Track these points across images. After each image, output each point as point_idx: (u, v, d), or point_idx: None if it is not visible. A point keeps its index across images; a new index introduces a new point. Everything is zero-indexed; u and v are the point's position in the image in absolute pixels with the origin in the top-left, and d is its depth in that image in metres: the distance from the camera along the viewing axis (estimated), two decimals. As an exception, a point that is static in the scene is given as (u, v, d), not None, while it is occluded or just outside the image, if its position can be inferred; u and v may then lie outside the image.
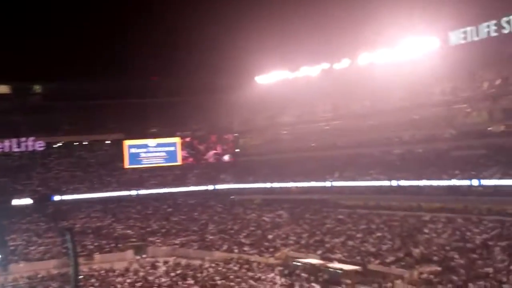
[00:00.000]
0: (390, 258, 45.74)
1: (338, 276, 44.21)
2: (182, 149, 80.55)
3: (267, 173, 73.22)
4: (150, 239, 64.12)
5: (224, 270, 51.03)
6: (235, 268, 51.41)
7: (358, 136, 67.42)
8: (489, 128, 56.30)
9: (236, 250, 57.53)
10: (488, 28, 56.23)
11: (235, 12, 75.88)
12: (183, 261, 55.56)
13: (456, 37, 58.69)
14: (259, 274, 48.42)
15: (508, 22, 54.47)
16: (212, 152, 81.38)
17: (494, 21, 55.40)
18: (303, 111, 76.92)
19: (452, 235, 46.84)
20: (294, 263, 49.57)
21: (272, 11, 72.76)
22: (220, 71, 75.83)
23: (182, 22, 79.39)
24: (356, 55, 67.47)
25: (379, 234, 51.79)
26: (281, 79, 75.63)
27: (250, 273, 49.11)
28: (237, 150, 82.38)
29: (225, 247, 59.06)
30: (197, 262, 54.62)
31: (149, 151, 79.53)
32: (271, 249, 55.71)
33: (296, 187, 68.44)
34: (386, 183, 57.98)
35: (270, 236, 59.25)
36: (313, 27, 68.93)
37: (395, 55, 62.95)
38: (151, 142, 79.68)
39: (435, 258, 43.32)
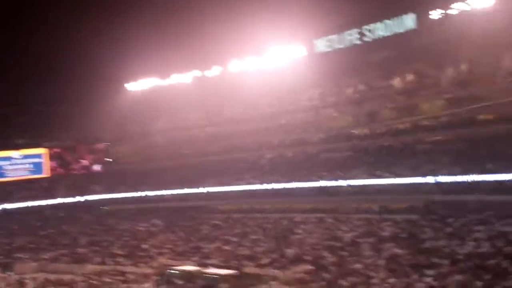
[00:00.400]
0: (265, 260, 46.27)
1: (215, 281, 44.13)
2: (50, 160, 77.19)
3: (140, 182, 71.90)
4: (17, 255, 60.58)
5: (97, 283, 49.21)
6: (109, 280, 49.76)
7: (231, 141, 68.17)
8: (354, 131, 58.92)
9: (109, 262, 55.76)
10: (351, 36, 59.09)
11: (103, 18, 74.00)
12: (53, 277, 52.92)
13: (321, 45, 61.15)
14: (134, 285, 47.25)
15: (369, 30, 57.55)
16: (81, 162, 78.73)
17: (356, 30, 58.30)
18: (176, 118, 76.56)
19: (323, 234, 48.31)
20: (170, 271, 48.84)
21: (142, 19, 71.69)
22: (89, 78, 73.31)
23: (48, 29, 76.03)
24: (226, 62, 68.34)
25: (254, 237, 52.38)
26: (153, 86, 74.81)
27: (124, 285, 47.76)
28: (108, 159, 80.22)
29: (97, 259, 57.03)
30: (68, 277, 52.20)
31: (14, 163, 75.36)
32: (146, 259, 54.49)
33: (171, 194, 67.69)
34: (259, 186, 59.01)
35: (145, 246, 58.03)
36: (184, 35, 68.78)
37: (264, 63, 64.56)
38: (16, 154, 75.56)
39: (307, 257, 44.36)
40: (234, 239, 53.30)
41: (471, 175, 44.17)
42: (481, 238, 37.77)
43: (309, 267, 42.38)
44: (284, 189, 56.91)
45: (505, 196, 41.17)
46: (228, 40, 64.72)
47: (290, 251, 46.32)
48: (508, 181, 41.62)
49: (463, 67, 52.61)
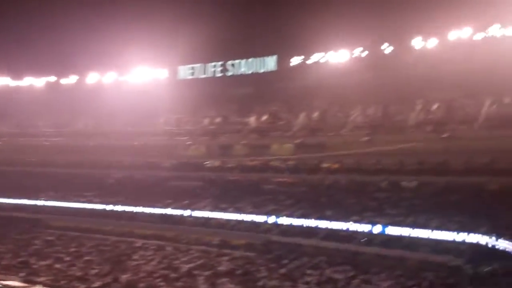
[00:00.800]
0: (97, 283, 44.95)
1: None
2: None
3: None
4: None
5: None
6: None
7: (79, 155, 65.53)
8: (206, 163, 59.33)
9: None
10: (214, 68, 60.12)
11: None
12: None
13: (184, 72, 61.57)
14: None
15: (232, 65, 58.93)
16: None
17: (220, 62, 59.46)
18: (23, 123, 72.66)
19: (160, 262, 47.82)
20: (-9, 285, 45.83)
21: None
22: None
23: None
24: (85, 73, 66.45)
25: (88, 258, 50.66)
26: (1, 86, 70.72)
27: None
28: None
29: None
30: None
31: None
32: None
33: (5, 203, 63.54)
34: (101, 206, 57.30)
35: (-34, 257, 53.91)
36: (44, 38, 65.95)
37: (125, 81, 63.68)
38: None
39: (141, 285, 43.67)
40: (67, 258, 51.27)
41: (310, 220, 45.86)
42: (312, 282, 39.35)
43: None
44: (127, 212, 55.66)
45: (339, 243, 43.21)
46: (91, 52, 63.14)
47: (124, 277, 45.33)
48: (344, 230, 43.66)
49: (315, 115, 55.11)
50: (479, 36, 45.38)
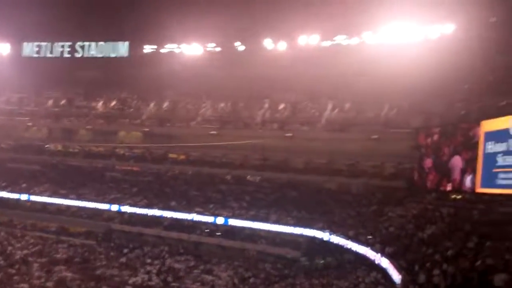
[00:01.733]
0: None
1: None
2: None
3: None
4: None
5: None
6: None
7: None
8: (46, 146, 57.05)
9: None
10: (62, 48, 57.74)
11: None
12: None
13: (29, 49, 58.59)
14: None
15: (82, 47, 57.02)
16: None
17: (69, 43, 57.25)
18: None
19: (-8, 247, 45.26)
20: None
21: None
22: None
23: None
24: None
25: None
26: None
27: None
28: None
29: None
30: None
31: None
32: None
33: None
34: None
35: None
36: None
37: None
38: None
39: (-31, 271, 40.99)
40: None
41: (153, 209, 45.91)
42: (153, 272, 39.42)
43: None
44: (-43, 193, 52.07)
45: (180, 233, 43.86)
46: None
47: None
48: (186, 220, 44.34)
49: (166, 105, 55.13)
50: (326, 43, 47.92)
